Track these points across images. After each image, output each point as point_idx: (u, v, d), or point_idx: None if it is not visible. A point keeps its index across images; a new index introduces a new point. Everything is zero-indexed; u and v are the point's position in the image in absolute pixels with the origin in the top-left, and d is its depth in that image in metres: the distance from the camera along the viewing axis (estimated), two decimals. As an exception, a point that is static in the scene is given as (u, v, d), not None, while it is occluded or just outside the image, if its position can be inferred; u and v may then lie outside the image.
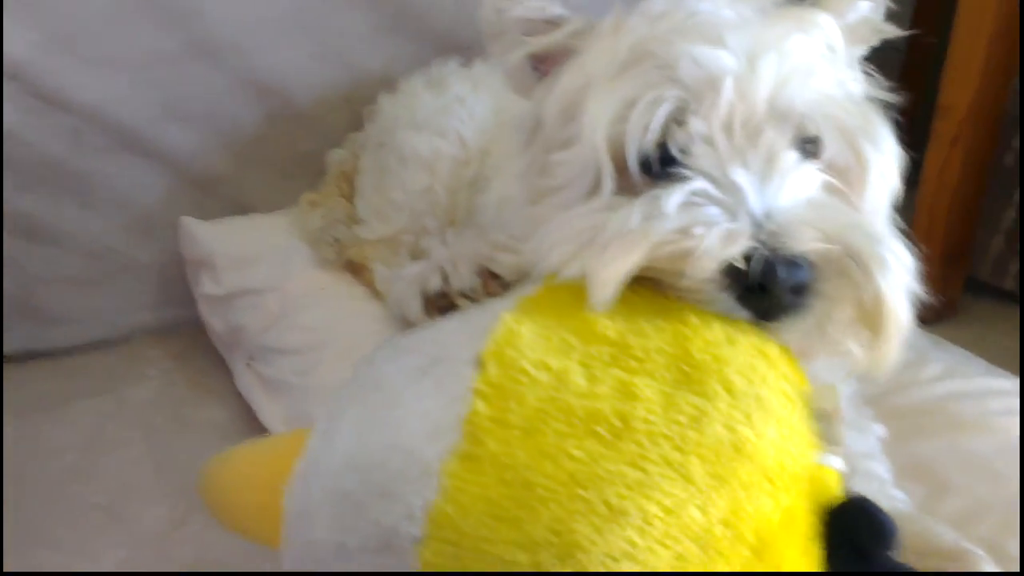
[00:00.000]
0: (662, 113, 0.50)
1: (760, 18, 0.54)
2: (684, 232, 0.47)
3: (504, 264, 0.53)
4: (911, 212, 0.57)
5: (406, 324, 0.53)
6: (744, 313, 0.47)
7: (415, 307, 0.52)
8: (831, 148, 0.53)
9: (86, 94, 1.03)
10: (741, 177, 0.49)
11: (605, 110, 0.52)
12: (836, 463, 0.47)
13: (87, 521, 0.91)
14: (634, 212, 0.48)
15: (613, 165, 0.52)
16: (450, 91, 1.00)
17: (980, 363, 0.92)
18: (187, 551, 0.86)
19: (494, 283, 0.53)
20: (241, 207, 1.16)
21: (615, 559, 0.40)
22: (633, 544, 0.40)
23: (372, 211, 1.01)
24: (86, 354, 1.16)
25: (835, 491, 0.47)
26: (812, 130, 0.52)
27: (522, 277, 0.54)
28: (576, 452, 0.42)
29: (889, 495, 0.62)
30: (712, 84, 0.50)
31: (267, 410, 0.95)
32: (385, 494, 0.43)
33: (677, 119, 0.51)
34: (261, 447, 0.56)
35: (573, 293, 0.49)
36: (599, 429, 0.43)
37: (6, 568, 0.83)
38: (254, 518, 0.53)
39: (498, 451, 0.43)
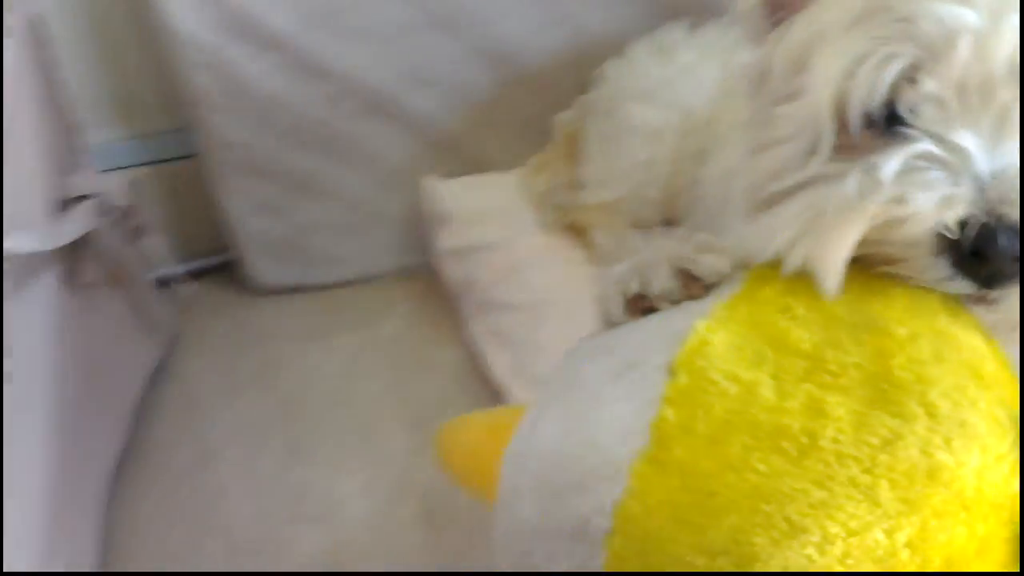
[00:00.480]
0: (893, 70, 0.48)
1: None
2: (900, 199, 0.45)
3: (705, 266, 0.54)
4: None
5: (609, 322, 0.56)
6: (963, 281, 0.46)
7: (617, 309, 0.55)
8: None
9: (341, 63, 1.14)
10: (968, 139, 0.46)
11: (834, 65, 0.50)
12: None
13: (341, 442, 1.04)
14: (850, 184, 0.48)
15: (837, 123, 0.50)
16: (677, 59, 1.00)
17: None
18: (424, 475, 0.96)
19: (695, 285, 0.55)
20: (476, 166, 1.23)
21: (792, 573, 0.42)
22: (811, 561, 0.41)
23: (595, 177, 1.05)
24: (343, 290, 1.30)
25: None
26: None
27: (724, 278, 0.55)
28: (760, 466, 0.43)
29: None
30: (950, 41, 0.47)
31: (494, 359, 1.02)
32: (581, 487, 0.46)
33: (909, 77, 0.48)
34: (485, 420, 0.62)
35: (772, 297, 0.49)
36: (785, 445, 0.43)
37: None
38: (477, 484, 0.59)
39: (684, 458, 0.45)
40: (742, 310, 0.50)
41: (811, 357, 0.46)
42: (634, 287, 0.54)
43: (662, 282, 0.54)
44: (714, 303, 0.51)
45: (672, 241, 0.56)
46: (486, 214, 1.13)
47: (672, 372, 0.47)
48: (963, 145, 0.46)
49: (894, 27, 0.49)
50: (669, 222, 1.00)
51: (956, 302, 0.49)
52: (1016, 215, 0.44)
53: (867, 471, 0.42)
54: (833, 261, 0.46)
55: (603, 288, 0.56)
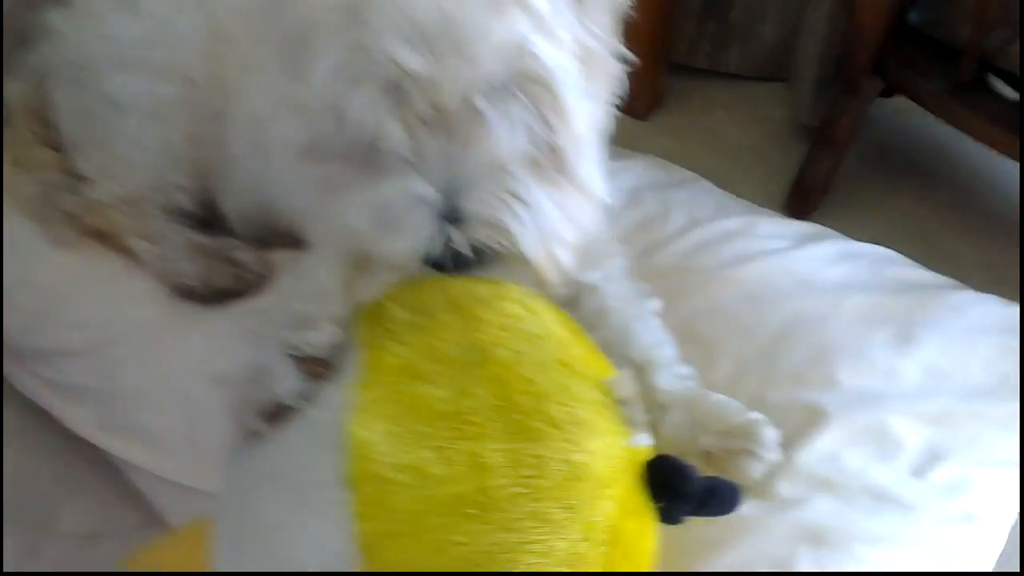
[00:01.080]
0: (370, 99, 0.54)
1: None
2: (378, 225, 0.55)
3: (316, 344, 0.55)
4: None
5: (249, 432, 0.55)
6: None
7: (254, 421, 0.54)
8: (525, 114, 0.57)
9: None
10: (431, 167, 0.54)
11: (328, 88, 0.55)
12: (644, 440, 0.57)
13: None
14: (355, 207, 0.56)
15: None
16: (148, 12, 0.86)
17: (716, 200, 0.97)
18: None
19: (315, 366, 0.55)
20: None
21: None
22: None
23: (98, 168, 0.88)
24: None
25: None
26: (509, 100, 0.56)
27: (338, 344, 0.57)
28: (457, 538, 0.49)
29: (679, 376, 0.69)
30: (410, 73, 0.53)
31: (73, 416, 0.89)
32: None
33: (390, 103, 0.54)
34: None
35: (394, 361, 0.54)
36: (469, 510, 0.50)
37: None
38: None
39: (396, 559, 0.50)
40: (379, 387, 0.54)
41: (453, 416, 0.52)
42: (260, 394, 0.54)
43: (287, 382, 0.54)
44: (350, 388, 0.54)
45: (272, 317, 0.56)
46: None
47: (351, 486, 0.50)
48: (425, 178, 0.54)
49: (362, 58, 0.54)
50: (208, 200, 0.92)
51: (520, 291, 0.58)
52: (465, 244, 0.54)
53: (535, 499, 0.51)
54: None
55: (228, 399, 0.54)
